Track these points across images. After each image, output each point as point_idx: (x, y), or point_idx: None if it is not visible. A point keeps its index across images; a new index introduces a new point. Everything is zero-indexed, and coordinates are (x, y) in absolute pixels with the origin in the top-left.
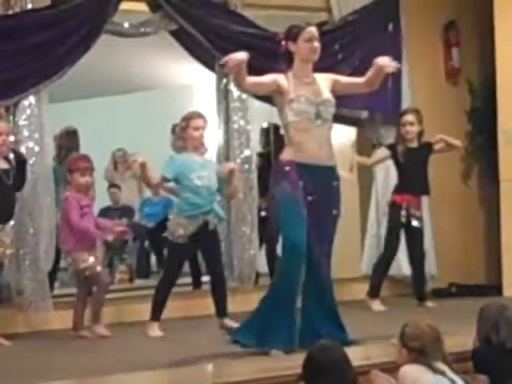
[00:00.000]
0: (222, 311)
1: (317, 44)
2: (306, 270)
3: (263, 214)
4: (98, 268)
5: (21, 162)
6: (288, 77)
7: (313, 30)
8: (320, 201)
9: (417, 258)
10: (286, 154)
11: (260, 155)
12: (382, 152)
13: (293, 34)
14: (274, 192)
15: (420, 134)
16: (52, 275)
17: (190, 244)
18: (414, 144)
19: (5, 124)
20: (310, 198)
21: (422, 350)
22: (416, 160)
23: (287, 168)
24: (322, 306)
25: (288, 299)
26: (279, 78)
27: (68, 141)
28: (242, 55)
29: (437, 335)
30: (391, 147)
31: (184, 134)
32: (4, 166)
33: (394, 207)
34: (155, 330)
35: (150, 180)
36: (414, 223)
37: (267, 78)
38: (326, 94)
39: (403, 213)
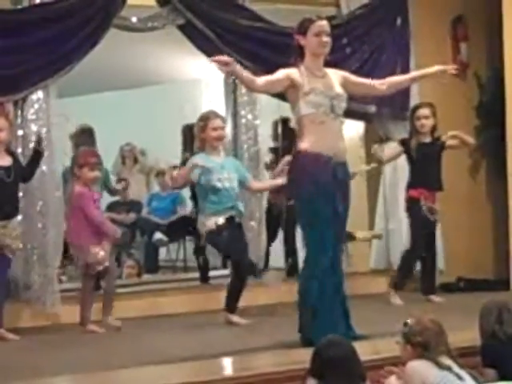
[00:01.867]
0: (232, 306)
1: (326, 38)
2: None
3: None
4: (108, 261)
5: (37, 152)
6: (301, 70)
7: (323, 23)
8: (335, 195)
9: (431, 252)
10: (303, 147)
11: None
12: (395, 148)
13: (303, 27)
14: (294, 186)
15: (433, 128)
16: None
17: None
18: (428, 139)
19: (3, 120)
20: (328, 192)
21: (426, 345)
22: (430, 155)
23: (306, 160)
24: (339, 301)
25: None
26: (292, 72)
27: (84, 139)
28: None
29: (440, 329)
30: (404, 142)
31: (203, 134)
32: (5, 163)
33: (414, 202)
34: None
35: (181, 186)
36: (433, 217)
37: (279, 75)
38: (338, 89)
39: (424, 207)
